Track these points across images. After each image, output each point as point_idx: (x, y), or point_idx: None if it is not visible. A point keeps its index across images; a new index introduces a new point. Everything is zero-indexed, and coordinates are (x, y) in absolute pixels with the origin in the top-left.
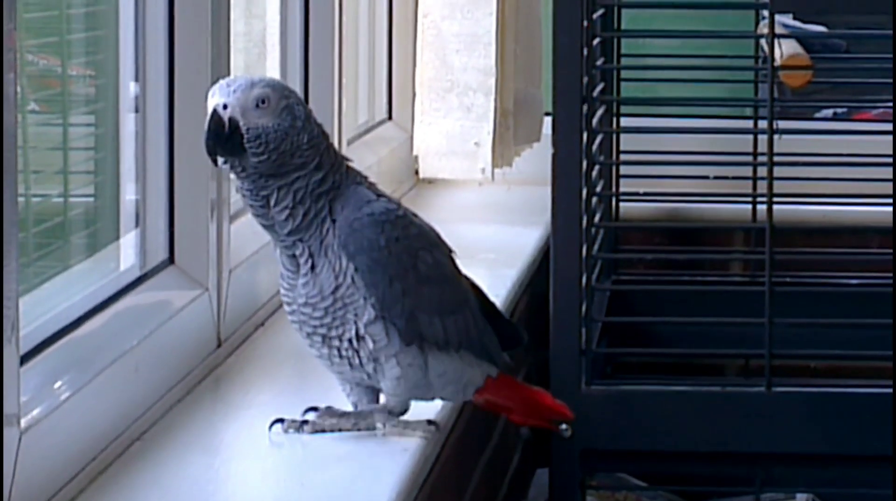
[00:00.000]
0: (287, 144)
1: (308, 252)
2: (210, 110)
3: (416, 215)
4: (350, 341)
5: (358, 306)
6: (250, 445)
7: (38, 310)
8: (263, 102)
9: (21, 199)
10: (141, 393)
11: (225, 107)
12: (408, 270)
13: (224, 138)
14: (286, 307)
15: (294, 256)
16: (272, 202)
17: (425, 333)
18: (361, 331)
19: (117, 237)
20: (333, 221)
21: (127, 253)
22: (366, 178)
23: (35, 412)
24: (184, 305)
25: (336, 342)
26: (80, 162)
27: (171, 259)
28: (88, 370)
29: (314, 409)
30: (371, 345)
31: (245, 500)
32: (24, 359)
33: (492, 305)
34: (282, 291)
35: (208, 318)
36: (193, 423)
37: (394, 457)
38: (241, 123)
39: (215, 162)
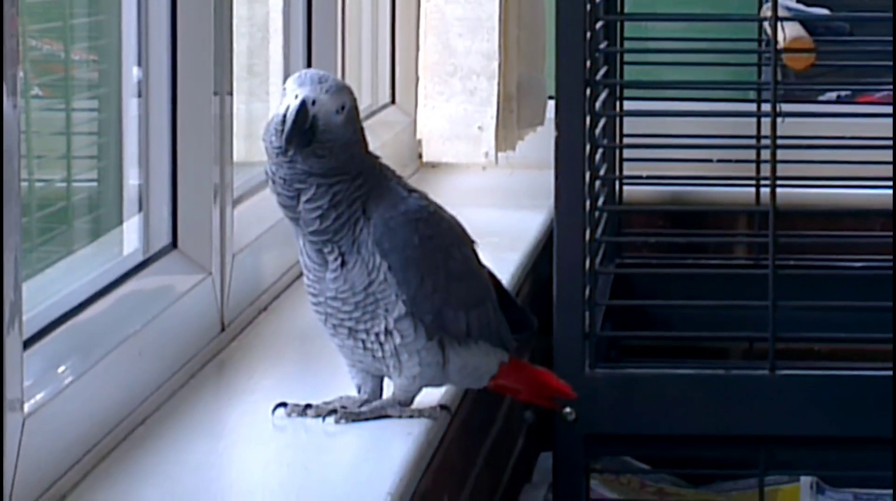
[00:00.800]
0: (346, 154)
1: (338, 250)
2: (299, 101)
3: (441, 208)
4: (377, 334)
5: (389, 301)
6: (254, 429)
7: (42, 295)
8: (343, 108)
9: (24, 184)
10: (144, 378)
11: (314, 103)
12: (439, 267)
13: (301, 132)
14: (311, 299)
15: (321, 251)
16: (304, 198)
17: (449, 327)
18: (390, 326)
19: (120, 222)
20: (368, 219)
21: (130, 238)
22: (394, 172)
23: (38, 396)
24: (187, 289)
25: (363, 336)
26: (84, 147)
27: (174, 244)
28: (92, 354)
29: (333, 411)
30: (398, 340)
31: (249, 484)
32: (28, 344)
33: (504, 291)
34: (306, 282)
35: (211, 302)
36: (197, 407)
37: (398, 441)
38: (320, 124)
39: (286, 152)
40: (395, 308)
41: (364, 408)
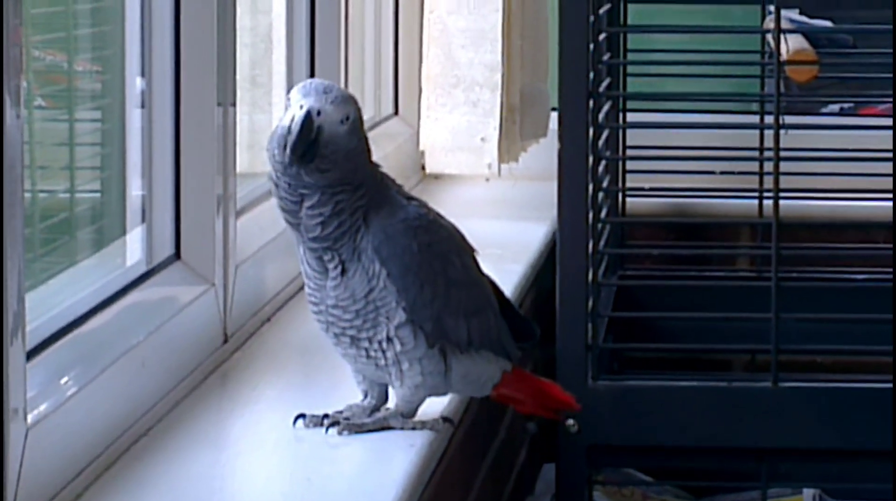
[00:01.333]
0: (351, 164)
1: (339, 258)
2: (304, 112)
3: (441, 216)
4: (380, 342)
5: (389, 309)
6: (257, 440)
7: (45, 306)
8: (347, 118)
9: (27, 194)
10: (147, 389)
11: (319, 113)
12: (438, 274)
13: (306, 143)
14: (312, 308)
15: (321, 258)
16: (306, 204)
17: (450, 335)
18: (391, 333)
19: (123, 233)
20: (368, 227)
21: (133, 249)
22: (393, 181)
23: (42, 407)
24: (190, 300)
25: (365, 344)
26: (87, 158)
27: (177, 255)
28: (95, 365)
29: (336, 424)
30: (399, 347)
31: (252, 495)
32: (31, 355)
33: (506, 300)
34: (307, 291)
35: (215, 313)
36: (200, 418)
37: (401, 453)
38: (324, 136)
39: (291, 165)
40: (396, 316)
41: (367, 420)
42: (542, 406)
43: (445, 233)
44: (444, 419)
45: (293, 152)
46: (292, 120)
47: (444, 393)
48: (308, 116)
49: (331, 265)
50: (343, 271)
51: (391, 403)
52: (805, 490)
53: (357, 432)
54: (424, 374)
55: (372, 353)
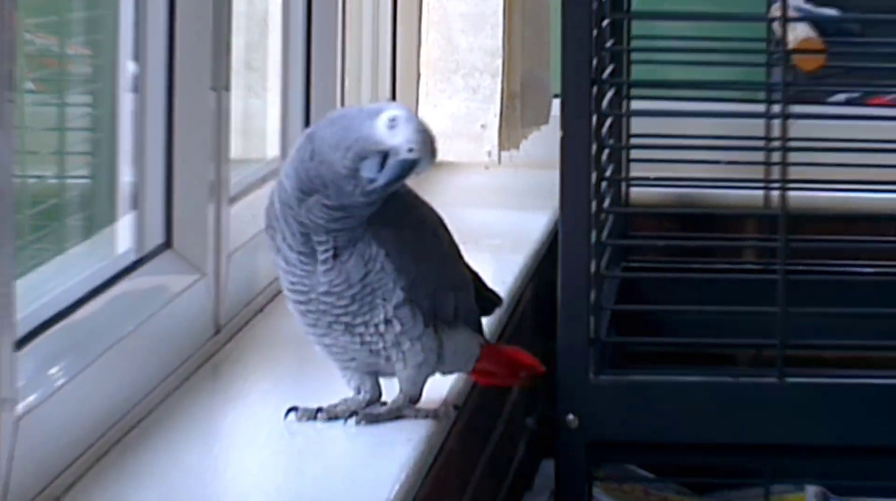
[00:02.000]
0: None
1: (332, 243)
2: (412, 160)
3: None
4: (376, 326)
5: (387, 290)
6: (249, 432)
7: (34, 294)
8: None
9: (16, 180)
10: (138, 379)
11: (418, 170)
12: (432, 251)
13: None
14: (297, 297)
15: (309, 240)
16: (310, 204)
17: (440, 311)
18: (390, 315)
19: (114, 220)
20: None
21: (123, 236)
22: None
23: (31, 398)
24: (181, 290)
25: (360, 329)
26: (77, 143)
27: (168, 243)
28: (85, 355)
29: (354, 414)
30: (398, 328)
31: (244, 488)
32: (20, 344)
33: (470, 269)
34: (291, 280)
35: (206, 303)
36: (191, 410)
37: (397, 447)
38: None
39: (362, 191)
40: (393, 296)
41: (382, 410)
42: (515, 375)
43: (428, 209)
44: (455, 406)
45: (381, 190)
46: (399, 154)
47: (434, 372)
48: (412, 168)
49: (320, 249)
50: (335, 256)
51: (385, 396)
52: (808, 487)
53: (374, 422)
54: (425, 351)
55: (367, 338)
